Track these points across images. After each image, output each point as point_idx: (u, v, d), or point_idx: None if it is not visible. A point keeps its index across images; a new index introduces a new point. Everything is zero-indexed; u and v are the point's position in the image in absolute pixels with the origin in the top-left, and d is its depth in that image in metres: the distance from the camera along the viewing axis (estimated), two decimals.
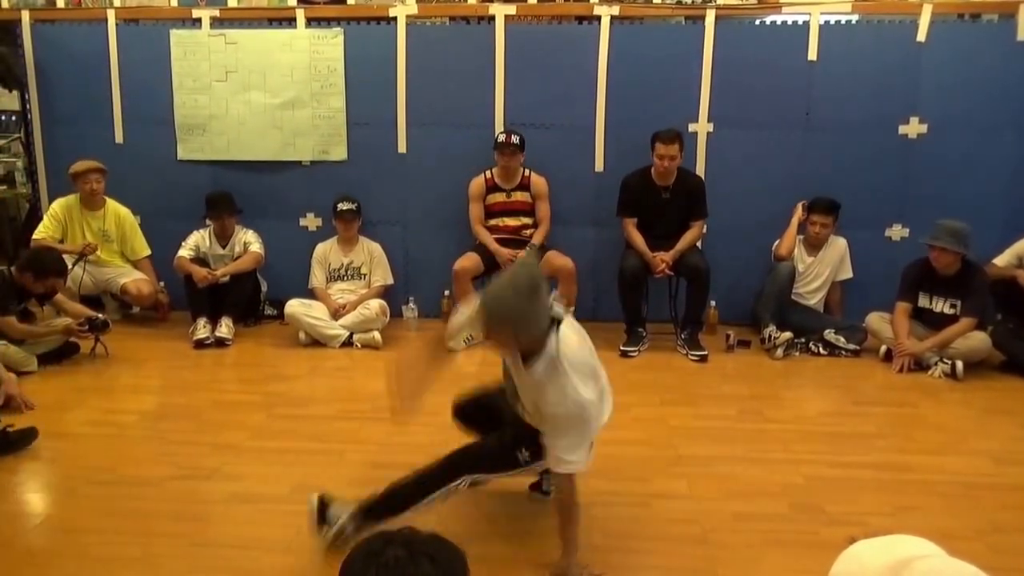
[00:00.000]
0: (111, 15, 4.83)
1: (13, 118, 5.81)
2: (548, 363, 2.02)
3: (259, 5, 4.87)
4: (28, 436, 2.99)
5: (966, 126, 4.53)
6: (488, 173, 4.60)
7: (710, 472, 2.84)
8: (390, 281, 4.73)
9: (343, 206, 4.60)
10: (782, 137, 4.65)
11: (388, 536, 1.11)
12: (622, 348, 4.31)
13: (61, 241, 4.61)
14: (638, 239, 4.41)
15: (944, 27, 4.48)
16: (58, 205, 4.68)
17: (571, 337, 2.08)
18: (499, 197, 4.60)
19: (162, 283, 4.91)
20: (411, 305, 4.97)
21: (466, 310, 2.29)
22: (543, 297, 2.01)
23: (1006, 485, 2.78)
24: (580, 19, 4.70)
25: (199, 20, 4.80)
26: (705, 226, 4.55)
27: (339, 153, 4.89)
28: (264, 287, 4.93)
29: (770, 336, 4.29)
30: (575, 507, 2.15)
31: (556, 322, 2.07)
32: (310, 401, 3.61)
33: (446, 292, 4.75)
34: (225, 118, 4.89)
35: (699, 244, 4.57)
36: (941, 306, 4.14)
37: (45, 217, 4.69)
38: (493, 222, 4.63)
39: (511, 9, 4.66)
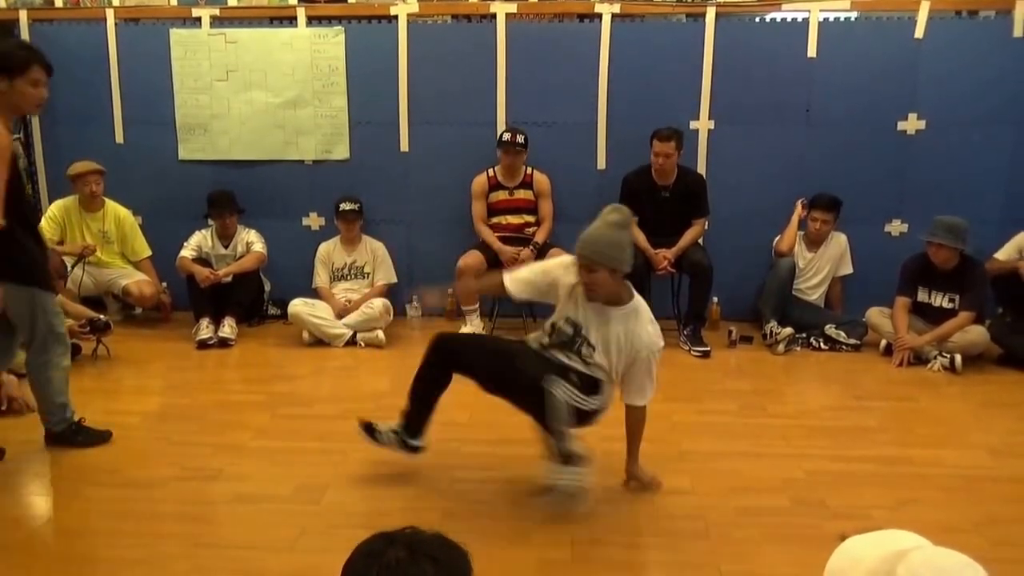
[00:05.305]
0: (110, 14, 4.82)
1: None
2: (634, 310, 2.45)
3: (259, 4, 4.86)
4: (102, 436, 3.07)
5: (964, 122, 4.55)
6: (491, 171, 4.61)
7: (713, 467, 2.86)
8: (393, 280, 4.74)
9: (345, 206, 4.60)
10: (782, 134, 4.67)
11: (390, 536, 1.08)
12: None
13: (60, 243, 4.59)
14: (640, 237, 4.41)
15: (942, 24, 4.50)
16: (56, 207, 4.68)
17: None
18: (502, 195, 4.61)
19: (164, 284, 4.91)
20: (414, 304, 4.98)
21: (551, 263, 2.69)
22: (630, 232, 2.48)
23: (1004, 477, 2.81)
24: (581, 17, 4.70)
25: (199, 19, 4.79)
26: (707, 223, 4.56)
27: (341, 152, 4.90)
28: (267, 287, 4.94)
29: (771, 332, 4.31)
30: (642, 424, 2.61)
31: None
32: (314, 401, 3.62)
33: (449, 290, 4.76)
34: (226, 118, 4.90)
35: (700, 241, 4.58)
36: (940, 300, 4.16)
37: (43, 219, 4.68)
38: (496, 220, 4.64)
39: (512, 7, 4.66)
